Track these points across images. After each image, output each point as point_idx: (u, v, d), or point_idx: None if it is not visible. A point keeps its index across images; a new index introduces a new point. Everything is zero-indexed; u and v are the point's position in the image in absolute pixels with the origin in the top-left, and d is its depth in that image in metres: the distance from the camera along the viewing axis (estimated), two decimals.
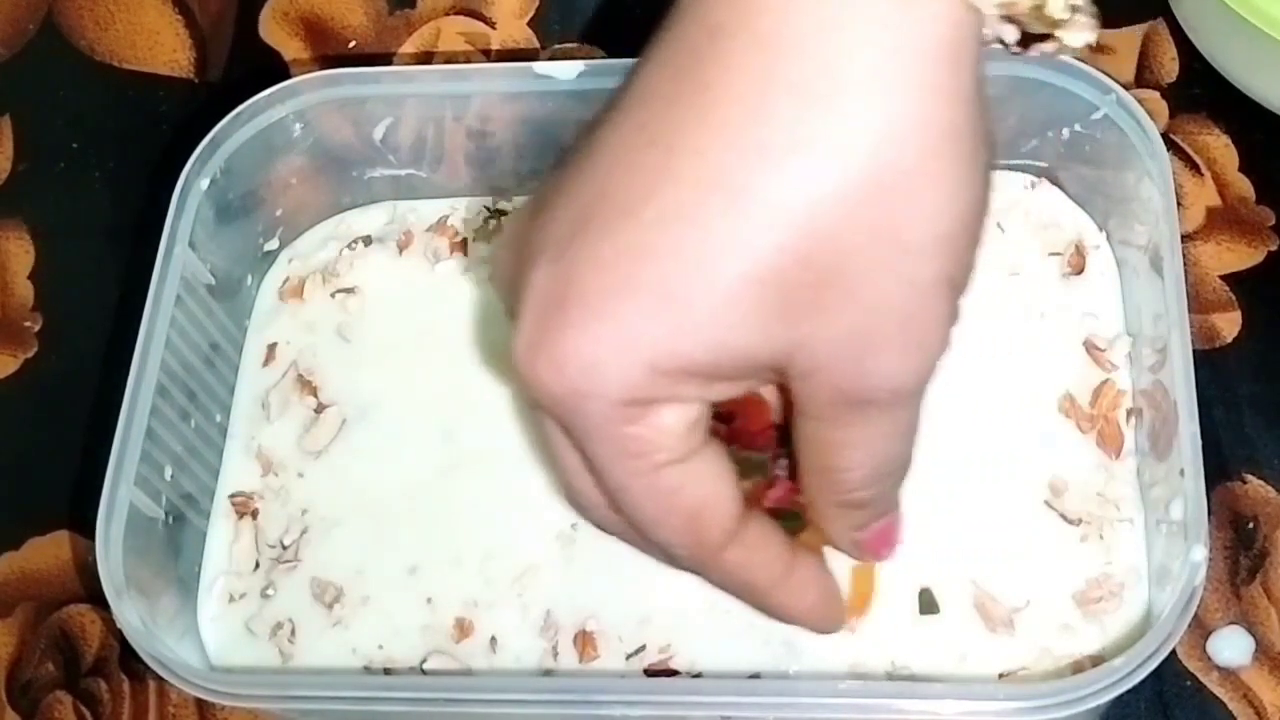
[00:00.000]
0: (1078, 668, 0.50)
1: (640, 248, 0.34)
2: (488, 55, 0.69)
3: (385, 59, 0.69)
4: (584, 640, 0.52)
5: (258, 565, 0.55)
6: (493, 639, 0.53)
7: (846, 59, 0.32)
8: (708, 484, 0.37)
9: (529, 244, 0.36)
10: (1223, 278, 0.59)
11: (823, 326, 0.34)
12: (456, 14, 0.70)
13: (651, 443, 0.36)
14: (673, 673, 0.51)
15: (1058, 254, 0.57)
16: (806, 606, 0.41)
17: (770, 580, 0.40)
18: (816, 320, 0.34)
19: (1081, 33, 0.34)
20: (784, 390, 0.37)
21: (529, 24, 0.69)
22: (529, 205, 0.37)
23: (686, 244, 0.33)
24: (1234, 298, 0.59)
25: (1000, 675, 0.50)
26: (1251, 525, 0.55)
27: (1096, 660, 0.49)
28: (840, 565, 0.52)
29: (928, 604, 0.51)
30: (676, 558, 0.39)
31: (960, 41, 0.33)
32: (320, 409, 0.58)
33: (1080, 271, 0.57)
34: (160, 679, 0.49)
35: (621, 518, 0.38)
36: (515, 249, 0.37)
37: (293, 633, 0.54)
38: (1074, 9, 0.34)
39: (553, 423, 0.37)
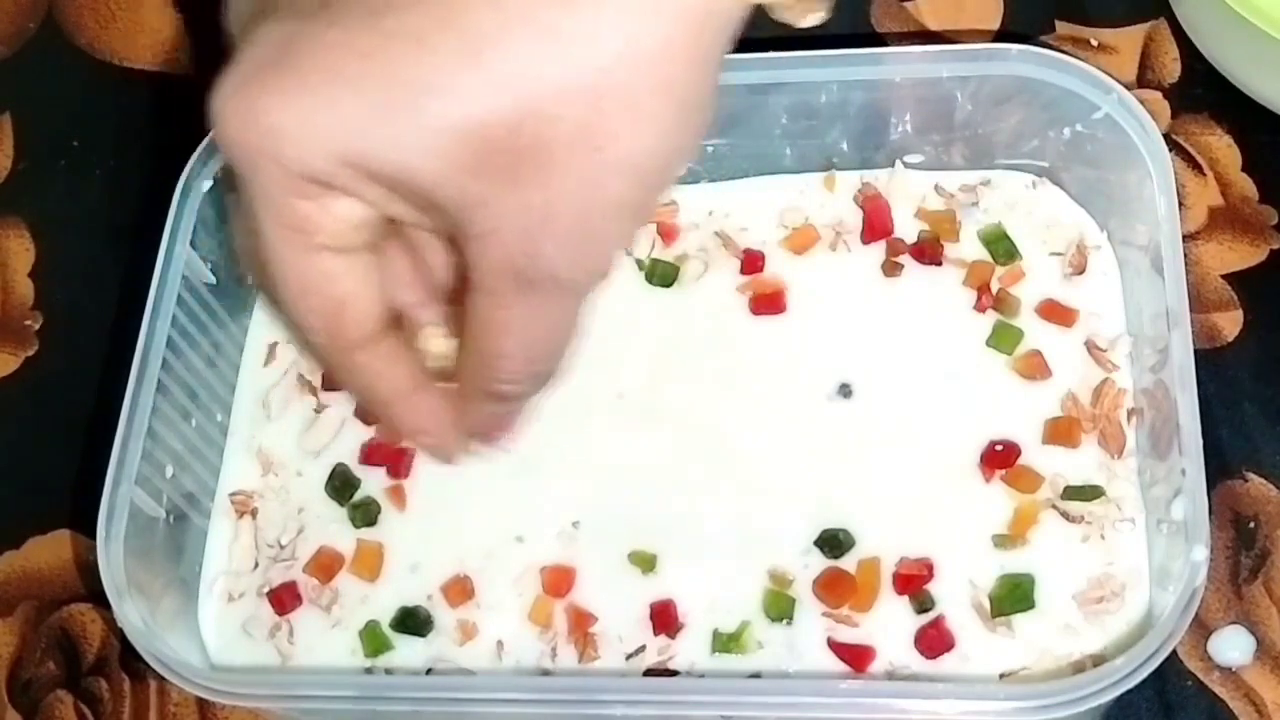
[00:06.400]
0: (1079, 668, 0.50)
1: (370, 49, 0.35)
2: None
3: None
4: (584, 640, 0.52)
5: (257, 564, 0.55)
6: (499, 643, 0.53)
7: None
8: (356, 283, 0.39)
9: None
10: (1224, 277, 0.59)
11: (508, 194, 0.35)
12: None
13: (316, 223, 0.37)
14: (673, 673, 0.51)
15: (1059, 254, 0.57)
16: (420, 428, 0.43)
17: (392, 394, 0.42)
18: (504, 187, 0.35)
19: (813, 16, 0.37)
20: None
21: None
22: None
23: (417, 66, 0.34)
24: (1235, 297, 0.59)
25: (1001, 675, 0.50)
26: (1253, 524, 0.55)
27: (1098, 660, 0.49)
28: (849, 562, 0.52)
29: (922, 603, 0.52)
30: (311, 345, 0.40)
31: (718, 16, 0.35)
32: (320, 409, 0.58)
33: (1082, 271, 0.57)
34: (161, 678, 0.49)
35: (265, 285, 0.39)
36: None
37: (291, 633, 0.54)
38: None
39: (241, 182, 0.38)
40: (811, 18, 0.37)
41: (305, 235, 0.37)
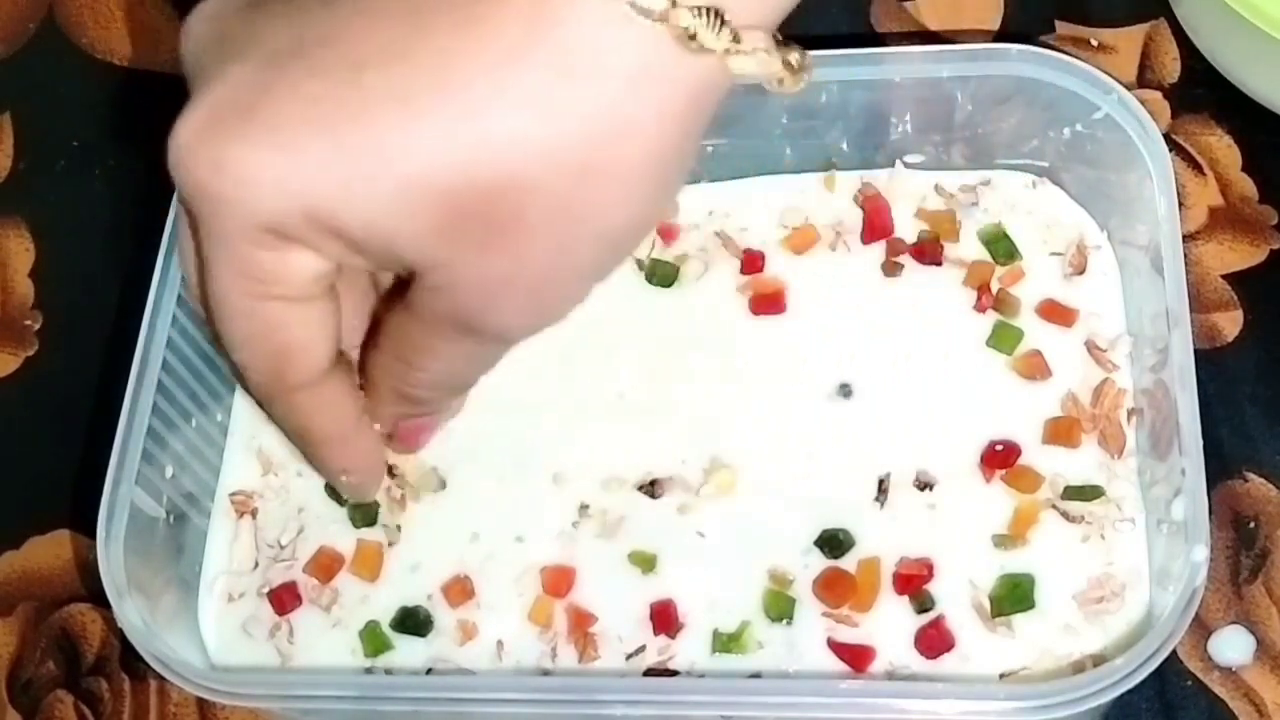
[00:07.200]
0: (1079, 668, 0.50)
1: (349, 103, 0.34)
2: None
3: None
4: (584, 640, 0.52)
5: (257, 564, 0.55)
6: (499, 643, 0.53)
7: (617, 53, 0.33)
8: (306, 331, 0.38)
9: (239, 33, 0.36)
10: (1224, 277, 0.59)
11: (474, 260, 0.35)
12: None
13: (272, 274, 0.36)
14: (673, 673, 0.51)
15: (1059, 254, 0.57)
16: (350, 468, 0.44)
17: (328, 435, 0.41)
18: (471, 251, 0.35)
19: (800, 86, 0.37)
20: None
21: None
22: None
23: (396, 126, 0.33)
24: (1235, 297, 0.59)
25: (1001, 675, 0.50)
26: (1253, 524, 0.55)
27: (1098, 660, 0.49)
28: (849, 562, 0.52)
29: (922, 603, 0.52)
30: (249, 383, 0.40)
31: (709, 92, 0.35)
32: None
33: (1082, 271, 0.57)
34: (161, 678, 0.49)
35: (211, 325, 0.39)
36: (222, 28, 0.37)
37: (291, 633, 0.54)
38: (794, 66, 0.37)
39: (185, 211, 0.37)
40: (798, 88, 0.38)
41: (259, 285, 0.36)
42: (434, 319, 0.37)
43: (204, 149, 0.35)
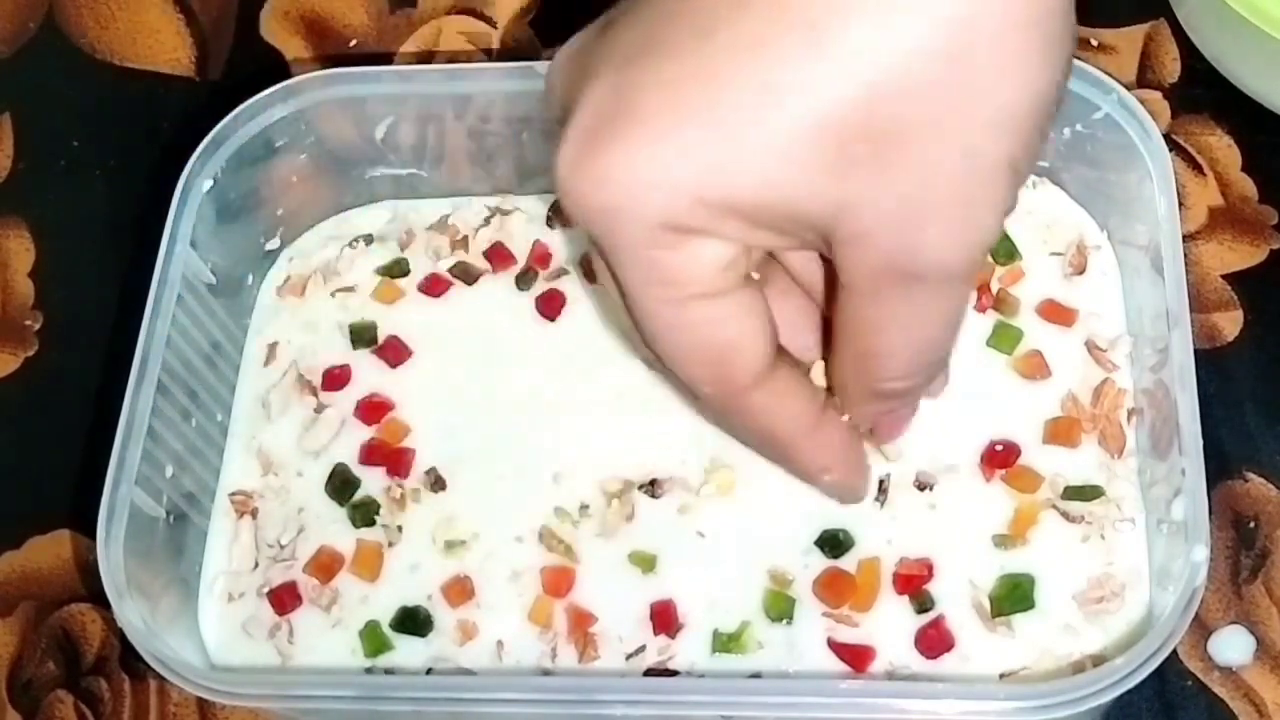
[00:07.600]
0: (1078, 668, 0.50)
1: (705, 73, 0.33)
2: (489, 54, 0.69)
3: (386, 58, 0.69)
4: (584, 640, 0.52)
5: (257, 564, 0.55)
6: (499, 643, 0.53)
7: None
8: (736, 324, 0.37)
9: (592, 57, 0.35)
10: (1224, 277, 0.59)
11: (878, 187, 0.33)
12: (457, 13, 0.70)
13: (683, 272, 0.35)
14: (673, 673, 0.51)
15: (1059, 254, 0.57)
16: (826, 465, 0.41)
17: (793, 432, 0.39)
18: (873, 180, 0.33)
19: None
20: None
21: (530, 23, 0.69)
22: (600, 21, 0.36)
23: (755, 76, 0.32)
24: (1235, 297, 0.59)
25: (1000, 675, 0.50)
26: (1253, 524, 0.55)
27: (1098, 660, 0.49)
28: (849, 562, 0.52)
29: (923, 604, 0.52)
30: (702, 396, 0.38)
31: None
32: (320, 409, 0.58)
33: (1082, 271, 0.57)
34: (161, 678, 0.49)
35: (650, 350, 0.37)
36: (578, 61, 0.36)
37: (291, 633, 0.54)
38: None
39: (597, 249, 0.36)
40: None
41: (675, 288, 0.35)
42: (871, 283, 0.35)
43: (582, 171, 0.34)
